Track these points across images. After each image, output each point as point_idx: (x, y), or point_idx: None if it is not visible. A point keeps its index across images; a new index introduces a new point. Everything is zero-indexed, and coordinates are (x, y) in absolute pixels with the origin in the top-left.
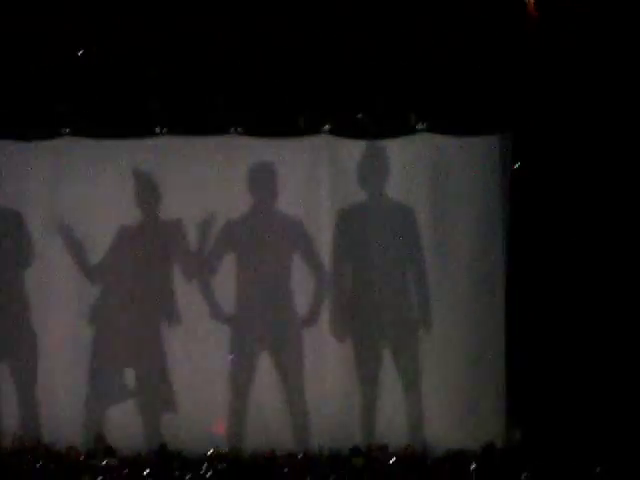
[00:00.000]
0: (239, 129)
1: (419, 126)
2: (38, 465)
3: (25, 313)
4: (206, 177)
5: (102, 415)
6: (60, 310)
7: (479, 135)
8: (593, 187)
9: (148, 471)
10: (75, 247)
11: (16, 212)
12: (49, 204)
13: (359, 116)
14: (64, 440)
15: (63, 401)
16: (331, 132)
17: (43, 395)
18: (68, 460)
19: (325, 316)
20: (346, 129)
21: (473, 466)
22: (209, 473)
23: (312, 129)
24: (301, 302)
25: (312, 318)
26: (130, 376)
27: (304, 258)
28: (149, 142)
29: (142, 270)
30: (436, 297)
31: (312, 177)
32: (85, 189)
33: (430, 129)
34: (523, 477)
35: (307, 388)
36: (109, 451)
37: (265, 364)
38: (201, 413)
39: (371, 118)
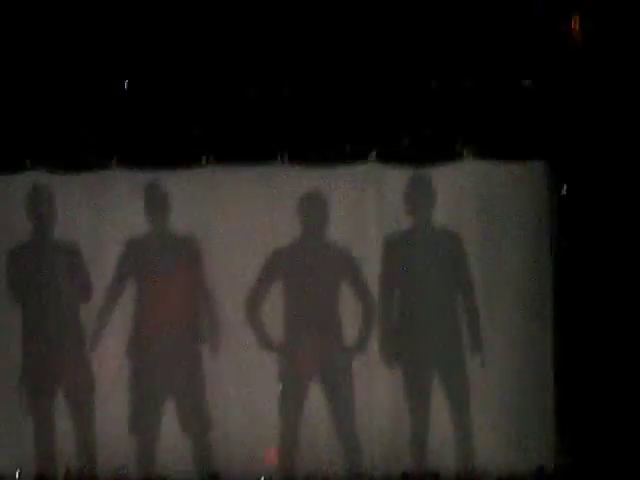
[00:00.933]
0: (285, 157)
1: (465, 152)
2: None
3: (79, 344)
4: (253, 206)
5: (153, 445)
6: (112, 339)
7: (526, 160)
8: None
9: None
10: (123, 277)
11: (69, 243)
12: (98, 236)
13: (405, 143)
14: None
15: (115, 431)
16: (378, 159)
17: (96, 426)
18: None
19: (374, 343)
20: (393, 156)
21: None
22: None
23: (359, 156)
24: (350, 330)
25: (361, 345)
26: (180, 406)
27: (352, 286)
28: (195, 172)
29: (190, 301)
30: (485, 322)
31: (359, 204)
32: (133, 220)
33: (477, 155)
34: None
35: (357, 415)
36: None
37: (315, 392)
38: (251, 441)
39: (418, 144)
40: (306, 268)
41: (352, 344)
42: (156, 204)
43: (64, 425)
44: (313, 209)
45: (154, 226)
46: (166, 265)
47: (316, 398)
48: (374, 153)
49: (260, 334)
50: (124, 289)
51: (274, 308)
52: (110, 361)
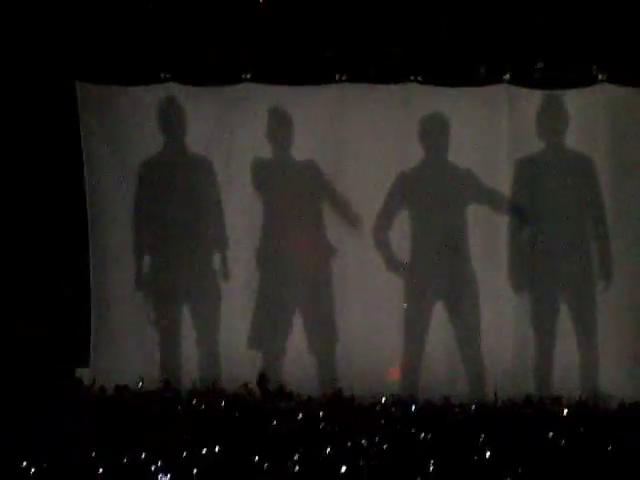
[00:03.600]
0: (418, 77)
1: (600, 77)
2: (215, 408)
3: (207, 259)
4: (384, 126)
5: (278, 359)
6: (236, 255)
7: None
8: None
9: (322, 415)
10: (256, 194)
11: (203, 157)
12: (230, 150)
13: (539, 66)
14: (240, 383)
15: (239, 345)
16: (511, 81)
17: (221, 338)
18: (244, 402)
19: (502, 267)
20: (526, 79)
21: None
22: (382, 420)
23: (492, 78)
24: (477, 253)
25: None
26: (305, 322)
27: (480, 207)
28: (327, 90)
29: (318, 221)
30: (615, 248)
31: (490, 127)
32: (262, 135)
33: (611, 80)
34: None
35: (482, 338)
36: (286, 395)
37: (440, 314)
38: (376, 360)
39: (552, 68)
40: (431, 190)
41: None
42: (277, 128)
43: (189, 336)
44: (440, 130)
45: (277, 149)
46: (291, 185)
47: (441, 319)
48: (507, 75)
49: (387, 255)
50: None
51: (400, 229)
52: (239, 275)
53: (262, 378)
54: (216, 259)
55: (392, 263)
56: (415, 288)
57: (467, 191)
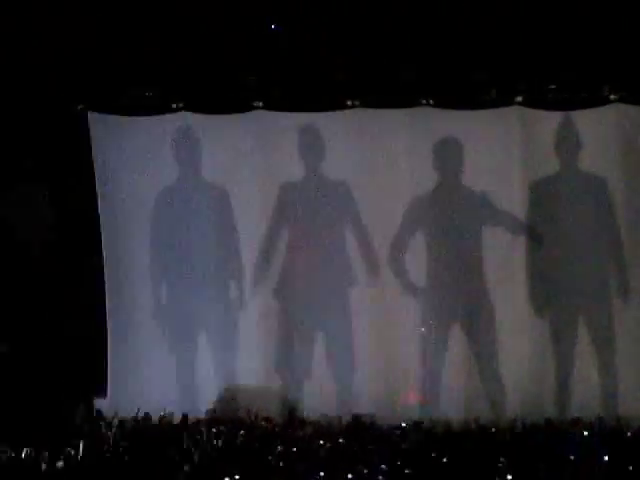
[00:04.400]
0: (430, 101)
1: (612, 97)
2: (235, 435)
3: (224, 287)
4: (397, 149)
5: (297, 386)
6: (253, 281)
7: None
8: None
9: (341, 441)
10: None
11: (218, 184)
12: (249, 175)
13: (552, 87)
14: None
15: (259, 372)
16: (523, 104)
17: (240, 367)
18: (263, 430)
19: (520, 289)
20: (538, 101)
21: None
22: (403, 445)
23: (504, 101)
24: (493, 275)
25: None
26: (322, 348)
27: (495, 230)
28: (339, 114)
29: (334, 245)
30: (631, 266)
31: (503, 148)
32: (279, 159)
33: (623, 100)
34: None
35: (501, 360)
36: (303, 422)
37: (458, 337)
38: (394, 384)
39: (564, 89)
40: (445, 214)
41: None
42: (312, 147)
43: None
44: (455, 152)
45: (309, 169)
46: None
47: (460, 342)
48: (519, 98)
49: (403, 280)
50: (282, 232)
51: (417, 251)
52: (260, 302)
53: (292, 411)
54: (233, 287)
55: (408, 288)
56: (432, 312)
57: (482, 214)
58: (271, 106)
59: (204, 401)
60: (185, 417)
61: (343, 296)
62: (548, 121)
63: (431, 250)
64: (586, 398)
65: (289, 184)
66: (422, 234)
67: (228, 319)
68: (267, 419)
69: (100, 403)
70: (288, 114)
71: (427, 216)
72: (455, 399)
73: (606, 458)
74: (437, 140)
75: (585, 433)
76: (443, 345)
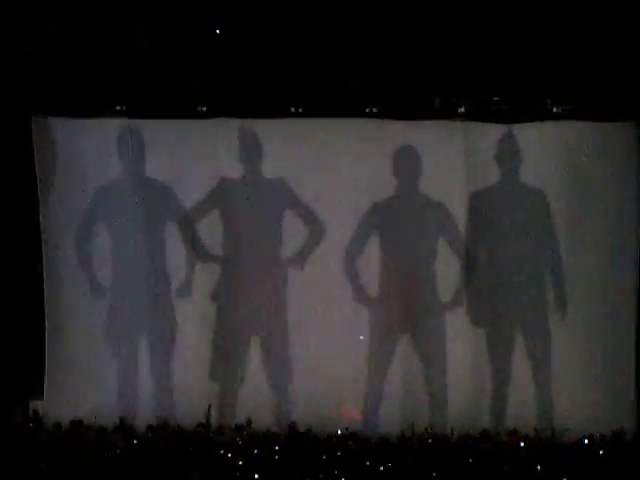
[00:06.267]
0: (374, 110)
1: (555, 110)
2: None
3: (164, 290)
4: (342, 160)
5: (233, 393)
6: (192, 283)
7: (616, 121)
8: None
9: (277, 449)
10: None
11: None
12: (192, 179)
13: (495, 100)
14: (194, 418)
15: (194, 379)
16: (466, 115)
17: (175, 374)
18: (197, 437)
19: (460, 299)
20: (481, 113)
21: (602, 452)
22: (339, 452)
23: (447, 112)
24: (443, 286)
25: (454, 301)
26: (261, 354)
27: (444, 241)
28: (283, 123)
29: (276, 251)
30: (569, 282)
31: (446, 160)
32: (223, 165)
33: (566, 115)
34: None
35: (442, 372)
36: (237, 428)
37: (402, 347)
38: (335, 393)
39: (507, 102)
40: (401, 222)
41: (445, 299)
42: (250, 151)
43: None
44: (408, 163)
45: (247, 171)
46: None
47: (403, 352)
48: (462, 109)
49: (355, 286)
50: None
51: (368, 261)
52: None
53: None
54: (171, 289)
55: (359, 294)
56: (380, 320)
57: (432, 223)
58: (215, 112)
59: (141, 404)
60: (122, 420)
61: (283, 301)
62: (490, 134)
63: (383, 260)
64: (522, 410)
65: (228, 190)
66: (375, 243)
67: (165, 322)
68: (199, 425)
69: (36, 405)
70: (232, 120)
71: (382, 224)
72: (395, 410)
73: (540, 469)
74: (385, 149)
75: (521, 444)
76: (388, 356)
